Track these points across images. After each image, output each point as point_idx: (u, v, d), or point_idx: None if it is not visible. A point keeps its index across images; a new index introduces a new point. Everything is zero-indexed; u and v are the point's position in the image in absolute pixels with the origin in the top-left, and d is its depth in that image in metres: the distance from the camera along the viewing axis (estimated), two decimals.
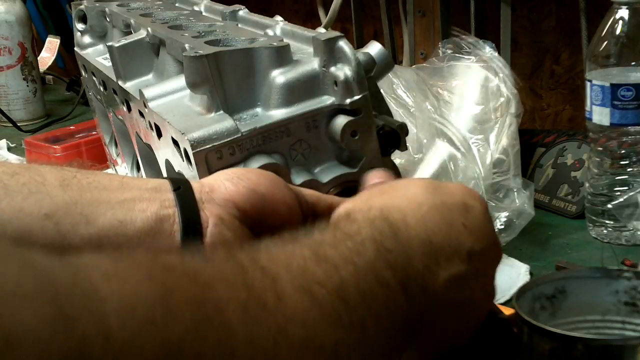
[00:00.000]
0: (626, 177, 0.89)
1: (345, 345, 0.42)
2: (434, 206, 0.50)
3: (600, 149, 0.90)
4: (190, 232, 0.52)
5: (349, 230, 0.46)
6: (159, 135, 0.75)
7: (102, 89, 1.02)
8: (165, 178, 0.56)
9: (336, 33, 0.68)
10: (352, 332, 0.42)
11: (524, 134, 0.99)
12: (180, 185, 0.54)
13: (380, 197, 0.52)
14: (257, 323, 0.37)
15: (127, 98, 0.88)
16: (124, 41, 0.89)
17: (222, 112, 0.67)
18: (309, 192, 0.58)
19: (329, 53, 0.67)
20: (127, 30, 0.97)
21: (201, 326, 0.34)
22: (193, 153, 0.65)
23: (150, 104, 0.75)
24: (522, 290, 0.52)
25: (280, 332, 0.38)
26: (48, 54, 1.99)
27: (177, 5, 1.10)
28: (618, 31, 0.87)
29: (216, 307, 0.36)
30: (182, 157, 0.68)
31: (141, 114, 0.81)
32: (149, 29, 0.88)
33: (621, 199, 0.89)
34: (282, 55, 0.69)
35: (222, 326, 0.36)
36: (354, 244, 0.45)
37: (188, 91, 0.73)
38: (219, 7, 0.96)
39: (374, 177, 0.61)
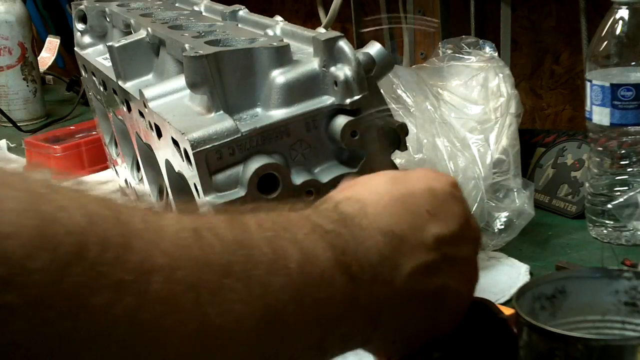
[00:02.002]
0: (626, 177, 0.89)
1: (274, 312, 0.40)
2: (396, 196, 0.49)
3: (600, 149, 0.90)
4: None
5: (294, 218, 0.45)
6: (159, 135, 0.75)
7: (102, 89, 1.02)
8: None
9: (336, 33, 0.68)
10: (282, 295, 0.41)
11: (524, 134, 0.99)
12: None
13: (345, 191, 0.51)
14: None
15: (127, 98, 0.88)
16: (124, 41, 0.89)
17: (222, 112, 0.67)
18: None
19: (329, 53, 0.67)
20: (127, 30, 0.97)
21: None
22: (193, 153, 0.65)
23: (150, 104, 0.75)
24: (522, 290, 0.52)
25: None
26: (48, 54, 1.99)
27: (177, 5, 1.10)
28: (618, 31, 0.87)
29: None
30: (182, 157, 0.68)
31: (141, 114, 0.81)
32: (149, 29, 0.88)
33: (621, 199, 0.89)
34: (282, 55, 0.69)
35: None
36: (291, 225, 0.44)
37: (188, 91, 0.73)
38: (219, 7, 0.96)
39: None
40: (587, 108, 0.90)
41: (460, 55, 0.98)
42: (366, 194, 0.49)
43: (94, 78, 1.06)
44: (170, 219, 0.39)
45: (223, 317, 0.38)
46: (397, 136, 0.70)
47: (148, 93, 0.76)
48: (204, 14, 1.00)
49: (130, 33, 0.95)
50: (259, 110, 0.69)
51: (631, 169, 0.89)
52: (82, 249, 0.34)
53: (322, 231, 0.45)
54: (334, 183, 0.68)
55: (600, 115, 0.88)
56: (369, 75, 0.70)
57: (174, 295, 0.36)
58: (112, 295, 0.34)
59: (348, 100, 0.67)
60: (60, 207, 0.34)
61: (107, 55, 0.94)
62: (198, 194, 0.67)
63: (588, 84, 0.89)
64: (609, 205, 0.90)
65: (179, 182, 0.78)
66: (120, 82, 0.89)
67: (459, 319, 0.52)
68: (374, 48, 0.72)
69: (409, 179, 0.51)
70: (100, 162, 1.28)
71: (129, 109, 0.88)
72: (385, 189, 0.50)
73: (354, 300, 0.44)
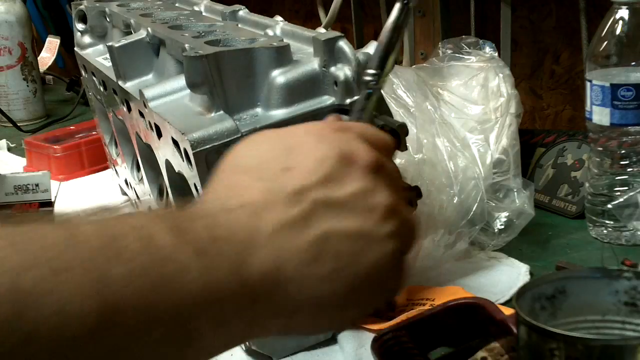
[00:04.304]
0: (626, 177, 0.89)
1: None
2: (248, 167, 0.47)
3: (600, 149, 0.90)
4: None
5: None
6: (159, 135, 0.75)
7: (102, 89, 1.02)
8: None
9: (336, 33, 0.69)
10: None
11: (524, 134, 0.99)
12: None
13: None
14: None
15: (127, 98, 0.88)
16: (124, 41, 0.89)
17: (222, 112, 0.67)
18: None
19: (329, 53, 0.67)
20: (127, 30, 0.98)
21: None
22: (193, 153, 0.65)
23: (150, 104, 0.75)
24: (522, 290, 0.52)
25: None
26: (48, 54, 2.00)
27: (177, 5, 1.10)
28: (618, 31, 0.87)
29: None
30: (182, 157, 0.68)
31: (141, 114, 0.81)
32: (149, 29, 0.88)
33: (621, 199, 0.89)
34: (282, 55, 0.69)
35: None
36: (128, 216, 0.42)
37: (188, 91, 0.73)
38: (219, 7, 0.96)
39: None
40: (587, 108, 0.90)
41: (460, 55, 0.98)
42: (228, 167, 0.48)
43: (94, 78, 1.06)
44: None
45: (58, 317, 0.36)
46: (397, 136, 0.70)
47: (148, 93, 0.76)
48: (204, 14, 1.00)
49: (130, 33, 0.95)
50: (259, 110, 0.69)
51: (631, 169, 0.89)
52: None
53: (158, 215, 0.43)
54: None
55: (600, 115, 0.88)
56: None
57: None
58: None
59: (348, 100, 0.67)
60: None
61: (107, 55, 0.94)
62: (198, 194, 0.67)
63: (588, 84, 0.89)
64: (609, 205, 0.90)
65: (179, 182, 0.78)
66: (120, 82, 0.89)
67: (396, 263, 0.48)
68: (374, 48, 0.72)
69: (266, 147, 0.49)
70: (100, 162, 1.28)
71: (129, 109, 0.88)
72: (245, 161, 0.48)
73: (209, 277, 0.41)
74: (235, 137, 0.65)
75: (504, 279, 0.82)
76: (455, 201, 0.82)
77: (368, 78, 0.58)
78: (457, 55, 0.98)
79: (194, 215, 0.44)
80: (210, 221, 0.43)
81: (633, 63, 0.87)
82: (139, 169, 0.99)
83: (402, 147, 0.71)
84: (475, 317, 0.62)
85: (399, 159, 0.80)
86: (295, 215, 0.45)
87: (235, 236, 0.43)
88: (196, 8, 1.03)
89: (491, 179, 0.87)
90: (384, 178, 0.49)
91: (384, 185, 0.48)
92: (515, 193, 0.88)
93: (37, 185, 0.75)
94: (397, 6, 0.60)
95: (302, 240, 0.44)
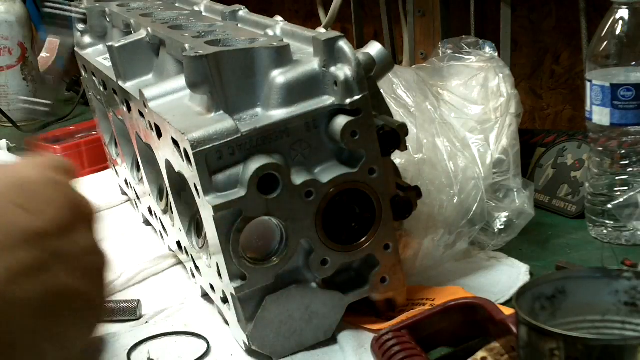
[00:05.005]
0: (626, 177, 0.89)
1: None
2: None
3: (600, 149, 0.90)
4: None
5: None
6: (159, 135, 0.75)
7: (102, 89, 1.02)
8: None
9: (336, 33, 0.68)
10: None
11: (524, 134, 0.99)
12: None
13: None
14: None
15: (127, 98, 0.88)
16: (124, 41, 0.89)
17: (222, 112, 0.67)
18: None
19: (329, 53, 0.67)
20: (127, 30, 0.98)
21: None
22: (193, 153, 0.65)
23: (150, 104, 0.75)
24: (522, 290, 0.52)
25: None
26: (48, 54, 1.99)
27: (177, 5, 1.10)
28: (618, 31, 0.87)
29: None
30: (182, 157, 0.68)
31: (141, 114, 0.81)
32: (149, 29, 0.88)
33: (621, 199, 0.89)
34: (282, 56, 0.69)
35: None
36: None
37: (188, 91, 0.73)
38: (219, 7, 0.96)
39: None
40: (587, 108, 0.90)
41: (460, 55, 0.98)
42: None
43: (94, 78, 1.06)
44: None
45: None
46: (397, 136, 0.70)
47: (148, 93, 0.76)
48: (204, 14, 1.00)
49: (130, 33, 0.95)
50: (259, 110, 0.69)
51: (631, 169, 0.89)
52: None
53: None
54: (334, 183, 0.68)
55: (600, 115, 0.88)
56: (369, 75, 0.70)
57: None
58: None
59: (348, 100, 0.67)
60: None
61: (107, 55, 0.94)
62: (198, 194, 0.67)
63: (588, 84, 0.89)
64: (609, 205, 0.90)
65: (179, 182, 0.78)
66: (120, 82, 0.89)
67: (91, 322, 0.45)
68: (374, 48, 0.72)
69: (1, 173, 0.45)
70: (100, 162, 1.28)
71: (129, 109, 0.88)
72: None
73: None
74: (235, 137, 0.65)
75: (504, 279, 0.82)
76: (455, 201, 0.82)
77: None
78: (457, 55, 0.98)
79: None
80: None
81: (633, 63, 0.87)
82: (139, 169, 0.99)
83: (402, 147, 0.71)
84: (475, 317, 0.62)
85: (399, 159, 0.80)
86: (28, 262, 0.41)
87: None
88: (196, 8, 1.03)
89: (491, 179, 0.87)
90: (97, 233, 0.47)
91: (99, 241, 0.47)
92: (515, 193, 0.88)
93: None
94: None
95: (33, 291, 0.41)
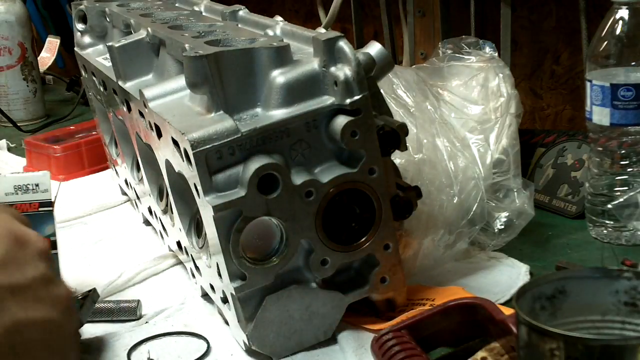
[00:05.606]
0: (626, 177, 0.89)
1: None
2: None
3: (600, 149, 0.90)
4: None
5: None
6: (159, 135, 0.75)
7: (102, 89, 1.02)
8: None
9: (336, 33, 0.68)
10: None
11: (524, 134, 0.99)
12: None
13: None
14: None
15: (127, 98, 0.88)
16: (124, 41, 0.89)
17: (222, 112, 0.67)
18: None
19: (329, 53, 0.67)
20: (127, 30, 0.98)
21: None
22: (193, 153, 0.65)
23: (150, 104, 0.75)
24: (522, 290, 0.52)
25: None
26: (48, 54, 2.00)
27: (177, 5, 1.10)
28: (618, 31, 0.87)
29: None
30: (182, 157, 0.68)
31: (141, 114, 0.81)
32: (149, 29, 0.88)
33: (621, 199, 0.89)
34: (282, 56, 0.69)
35: None
36: None
37: (188, 91, 0.73)
38: (219, 7, 0.97)
39: None
40: (587, 108, 0.90)
41: (460, 55, 0.98)
42: None
43: (94, 78, 1.06)
44: None
45: None
46: (397, 136, 0.70)
47: (148, 93, 0.76)
48: (204, 14, 1.00)
49: (130, 33, 0.95)
50: (259, 110, 0.69)
51: (631, 169, 0.89)
52: None
53: None
54: (334, 183, 0.68)
55: (600, 115, 0.88)
56: (369, 75, 0.70)
57: None
58: None
59: (348, 100, 0.67)
60: None
61: (107, 55, 0.94)
62: (198, 194, 0.67)
63: (588, 84, 0.89)
64: (609, 205, 0.90)
65: (179, 182, 0.78)
66: (120, 82, 0.89)
67: (64, 352, 0.46)
68: (374, 48, 0.72)
69: None
70: (100, 162, 1.28)
71: (129, 109, 0.88)
72: None
73: None
74: (235, 137, 0.65)
75: (504, 279, 0.82)
76: (455, 201, 0.82)
77: None
78: (457, 55, 0.98)
79: None
80: None
81: (633, 63, 0.87)
82: (139, 169, 0.99)
83: (402, 147, 0.71)
84: (475, 317, 0.62)
85: (399, 159, 0.80)
86: None
87: None
88: (196, 8, 1.03)
89: (491, 179, 0.87)
90: (52, 262, 0.47)
91: (54, 270, 0.46)
92: (515, 193, 0.88)
93: (37, 185, 0.75)
94: None
95: None
